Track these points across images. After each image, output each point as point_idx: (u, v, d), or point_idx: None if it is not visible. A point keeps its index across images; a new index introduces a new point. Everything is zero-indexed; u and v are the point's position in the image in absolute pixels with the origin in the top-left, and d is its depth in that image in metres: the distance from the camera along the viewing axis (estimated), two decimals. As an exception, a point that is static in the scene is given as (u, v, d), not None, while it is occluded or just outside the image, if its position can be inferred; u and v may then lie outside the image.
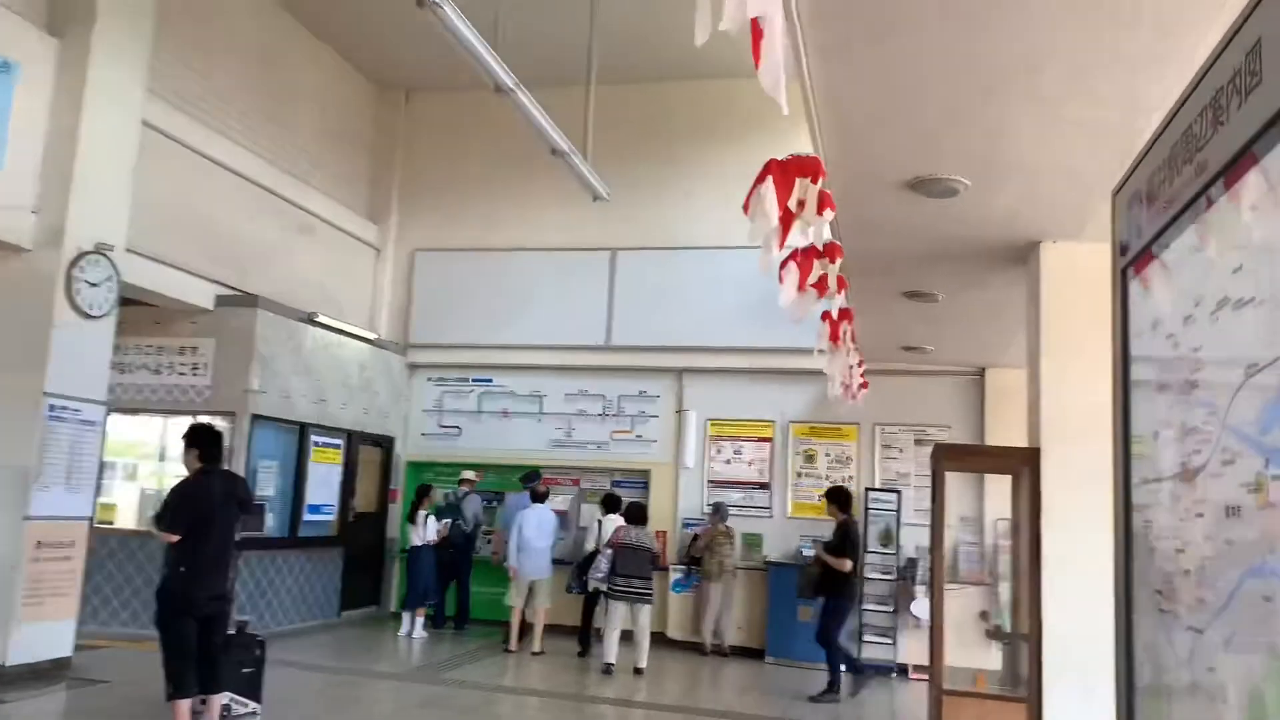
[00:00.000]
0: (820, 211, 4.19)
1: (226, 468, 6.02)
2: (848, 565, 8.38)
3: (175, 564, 5.47)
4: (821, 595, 8.55)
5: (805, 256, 5.17)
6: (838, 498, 8.69)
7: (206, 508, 5.55)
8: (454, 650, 9.69)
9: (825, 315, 6.61)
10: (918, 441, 10.51)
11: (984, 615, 8.69)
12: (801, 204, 4.07)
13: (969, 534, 10.16)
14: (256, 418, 9.39)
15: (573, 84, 9.33)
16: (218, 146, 9.51)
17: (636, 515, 9.28)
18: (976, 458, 6.05)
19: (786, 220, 4.13)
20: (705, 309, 11.00)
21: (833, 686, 8.36)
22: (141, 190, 8.28)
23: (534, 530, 9.68)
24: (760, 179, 3.87)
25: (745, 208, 4.06)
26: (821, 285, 5.80)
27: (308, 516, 10.18)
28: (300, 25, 11.07)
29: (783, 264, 5.22)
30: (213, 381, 9.37)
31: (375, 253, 12.26)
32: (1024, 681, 5.51)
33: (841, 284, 5.78)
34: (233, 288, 9.63)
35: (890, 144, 4.58)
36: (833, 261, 5.23)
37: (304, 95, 11.18)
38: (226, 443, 9.19)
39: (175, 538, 5.43)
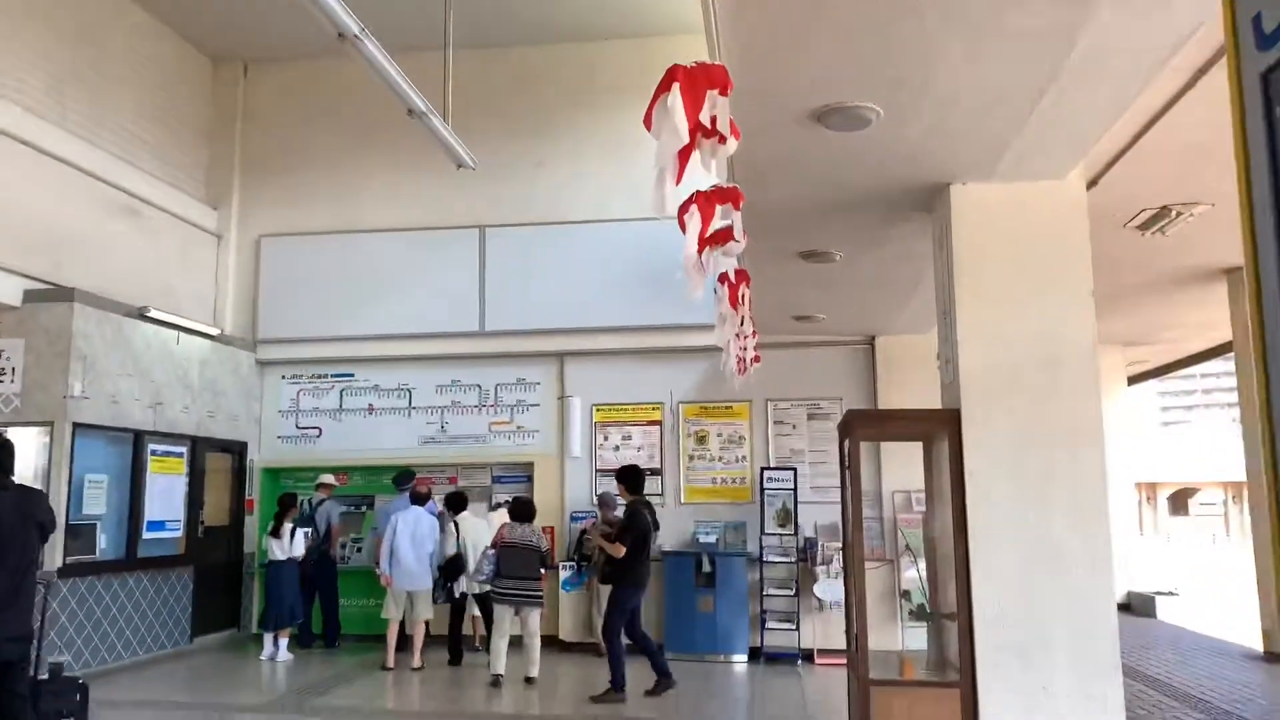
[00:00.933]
0: (725, 139, 3.58)
1: (21, 482, 4.99)
2: (620, 550, 7.59)
3: (-46, 603, 4.45)
4: (609, 583, 7.92)
5: (707, 201, 4.56)
6: (625, 477, 8.01)
7: (-8, 532, 4.55)
8: (324, 672, 8.74)
9: (723, 277, 6.04)
10: (810, 416, 10.13)
11: (905, 595, 8.32)
12: (712, 123, 3.44)
13: (866, 508, 9.81)
14: (79, 427, 8.20)
15: (428, 49, 8.50)
16: (20, 123, 8.25)
17: (522, 512, 8.54)
18: (890, 423, 5.60)
19: (689, 145, 3.49)
20: (585, 287, 10.33)
21: (615, 685, 7.53)
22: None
23: (408, 536, 8.84)
24: (664, 86, 3.21)
25: (647, 121, 3.39)
26: (724, 236, 5.23)
27: (148, 534, 9.02)
28: (116, -14, 9.84)
29: (683, 208, 4.60)
30: (23, 388, 8.13)
31: (216, 240, 11.07)
32: (954, 666, 5.09)
33: (744, 235, 5.22)
34: (45, 280, 8.39)
35: (799, 65, 4.01)
36: (736, 208, 4.64)
37: (126, 68, 9.93)
38: (42, 457, 8.02)
39: (-48, 571, 4.42)
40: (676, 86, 3.12)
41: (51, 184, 8.62)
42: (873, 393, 10.02)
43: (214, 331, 10.23)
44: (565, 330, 10.35)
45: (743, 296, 6.20)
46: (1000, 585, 4.93)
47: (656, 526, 8.12)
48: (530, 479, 10.46)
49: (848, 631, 6.17)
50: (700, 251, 5.33)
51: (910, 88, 4.11)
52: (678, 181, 3.72)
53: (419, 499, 9.22)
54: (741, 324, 7.45)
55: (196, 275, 10.68)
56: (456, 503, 9.12)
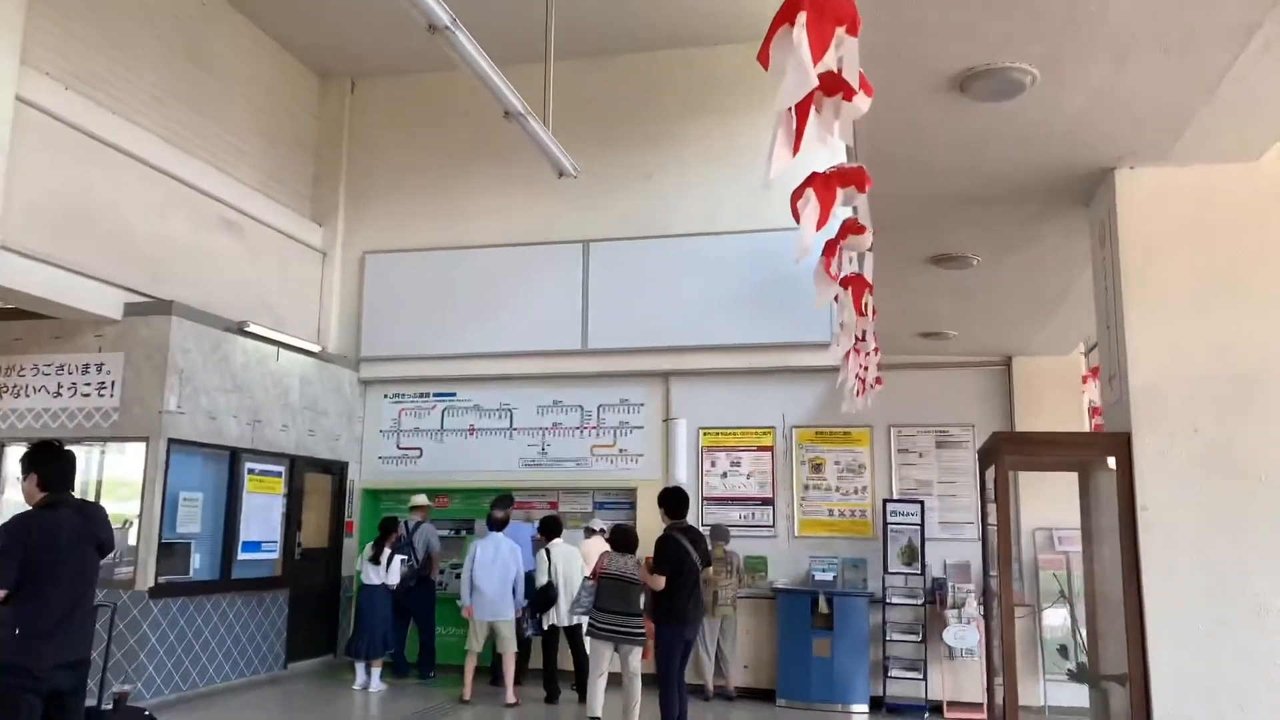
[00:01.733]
0: (853, 93, 2.93)
1: (81, 497, 4.68)
2: (659, 582, 6.74)
3: (3, 625, 4.13)
4: (654, 622, 7.00)
5: (826, 184, 3.91)
6: (665, 500, 7.17)
7: (48, 551, 4.23)
8: (415, 705, 8.32)
9: (845, 281, 5.35)
10: (939, 444, 9.25)
11: (1062, 651, 7.33)
12: (837, 74, 2.81)
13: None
14: (175, 443, 8.05)
15: (531, 60, 8.13)
16: (123, 133, 8.24)
17: (623, 541, 7.94)
18: (1046, 449, 4.77)
19: (808, 99, 2.83)
20: (692, 303, 9.75)
21: None
22: (22, 180, 7.03)
23: (488, 564, 8.38)
24: (785, 15, 2.55)
25: (763, 57, 2.74)
26: (853, 229, 4.56)
27: (243, 555, 8.82)
28: (228, 5, 9.86)
29: (796, 194, 3.97)
30: (122, 402, 8.04)
31: (321, 257, 10.97)
32: (1124, 736, 4.25)
33: (864, 228, 4.54)
34: (144, 294, 8.32)
35: (942, 19, 3.35)
36: (861, 191, 3.98)
37: (233, 82, 9.92)
38: (140, 471, 7.88)
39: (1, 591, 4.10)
40: (803, 16, 2.47)
41: (153, 196, 8.58)
42: (1009, 419, 9.07)
43: (315, 349, 10.06)
44: (670, 348, 9.78)
45: (866, 306, 5.50)
46: (1183, 644, 4.07)
47: (707, 561, 7.29)
48: (633, 505, 9.89)
49: (989, 690, 5.36)
50: (829, 251, 4.72)
51: (1077, 39, 3.39)
52: (796, 146, 3.06)
53: (494, 524, 8.76)
54: (863, 338, 6.75)
55: (299, 292, 10.57)
56: (551, 528, 8.61)
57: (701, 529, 9.41)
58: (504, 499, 9.36)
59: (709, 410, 9.80)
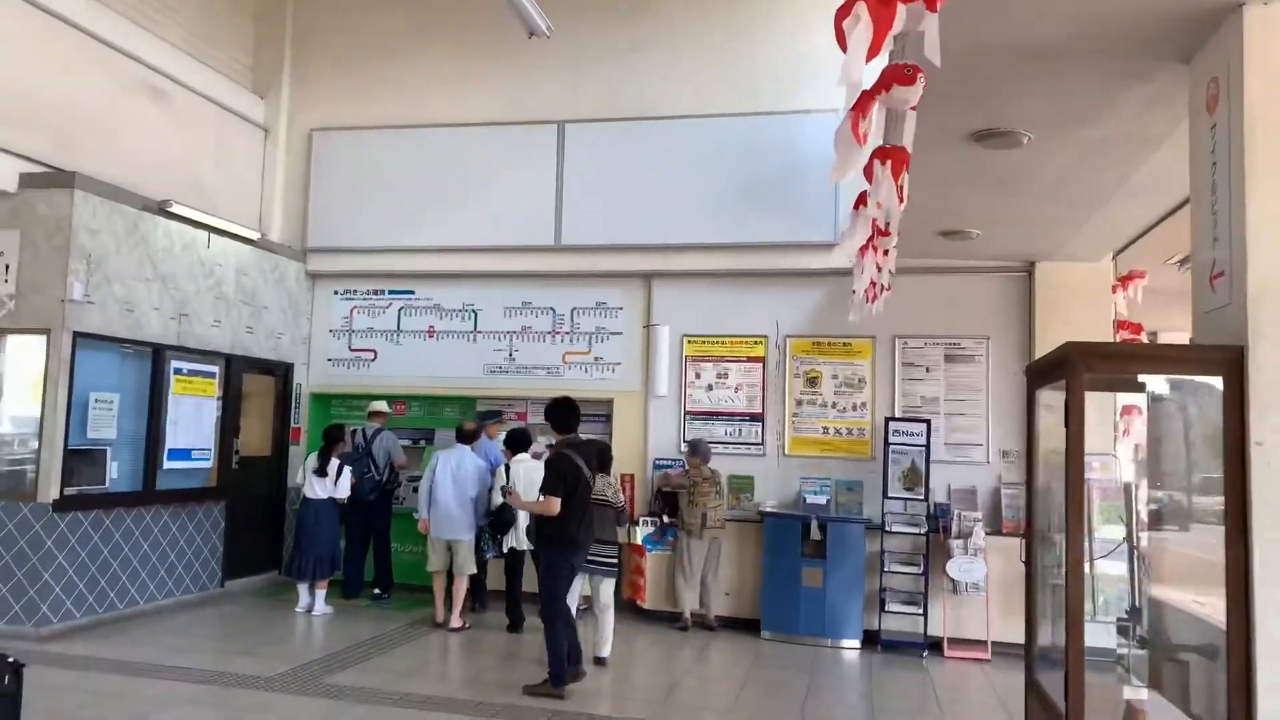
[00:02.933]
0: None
1: None
2: (553, 506, 5.88)
3: None
4: (539, 547, 6.23)
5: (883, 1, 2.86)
6: (552, 413, 6.30)
7: None
8: (367, 630, 7.51)
9: (881, 151, 4.31)
10: (949, 358, 8.35)
11: (1133, 614, 6.46)
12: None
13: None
14: (82, 336, 7.00)
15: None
16: (15, -31, 6.96)
17: (597, 459, 7.08)
18: (1134, 363, 3.83)
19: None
20: (679, 196, 8.68)
21: (554, 678, 5.94)
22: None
23: (449, 479, 7.57)
24: None
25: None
26: (895, 79, 3.51)
27: (170, 464, 7.87)
28: None
29: (844, 10, 2.94)
30: (18, 289, 6.95)
31: (262, 133, 9.75)
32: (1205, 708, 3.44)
33: (915, 75, 3.51)
34: (45, 164, 7.16)
35: None
36: (932, 8, 2.92)
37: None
38: (40, 366, 6.86)
39: None
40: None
41: (57, 50, 7.34)
42: (1028, 331, 8.18)
43: (254, 235, 8.94)
44: (654, 247, 8.74)
45: (902, 187, 4.50)
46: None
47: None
48: (609, 419, 8.99)
49: (1028, 652, 4.57)
50: (861, 106, 3.68)
51: None
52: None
53: (465, 436, 7.93)
54: (885, 230, 5.78)
55: (237, 172, 9.39)
56: (518, 442, 7.70)
57: (680, 446, 8.60)
58: (488, 414, 8.50)
59: (695, 316, 8.83)
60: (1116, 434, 8.07)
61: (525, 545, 7.53)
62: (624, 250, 8.81)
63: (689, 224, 8.62)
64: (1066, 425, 3.52)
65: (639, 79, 8.95)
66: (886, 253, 6.06)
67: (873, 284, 6.68)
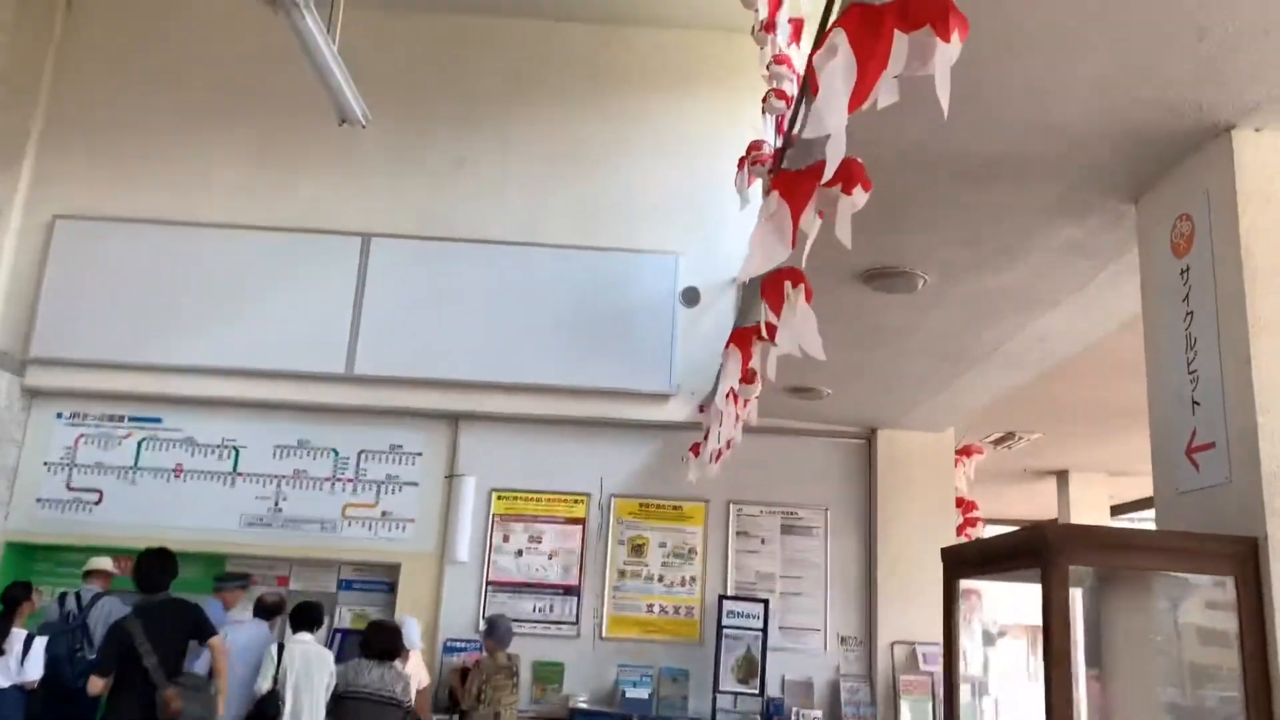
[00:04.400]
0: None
1: None
2: (96, 686, 5.17)
3: None
4: None
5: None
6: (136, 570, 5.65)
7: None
8: None
9: (791, 273, 3.46)
10: (786, 529, 7.55)
11: None
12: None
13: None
14: None
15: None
16: None
17: (382, 645, 5.65)
18: (1134, 554, 2.96)
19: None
20: (499, 330, 7.64)
21: None
22: None
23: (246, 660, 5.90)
24: None
25: None
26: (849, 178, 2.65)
27: None
28: None
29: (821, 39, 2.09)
30: None
31: (-13, 215, 7.99)
32: None
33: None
34: None
35: None
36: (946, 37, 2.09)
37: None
38: None
39: None
40: None
41: None
42: (868, 502, 7.53)
43: (-48, 336, 7.07)
44: (464, 384, 7.59)
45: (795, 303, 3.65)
46: None
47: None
48: (393, 589, 7.50)
49: None
50: (795, 192, 2.81)
51: None
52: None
53: (266, 609, 6.39)
54: (755, 377, 4.94)
55: (-56, 257, 7.54)
56: (304, 617, 6.17)
57: (478, 624, 7.22)
58: (231, 577, 6.84)
59: (507, 468, 7.64)
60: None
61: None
62: (428, 385, 7.59)
63: (507, 361, 7.56)
64: (1046, 624, 2.60)
65: (462, 198, 7.99)
66: (747, 403, 5.21)
67: (727, 440, 5.85)
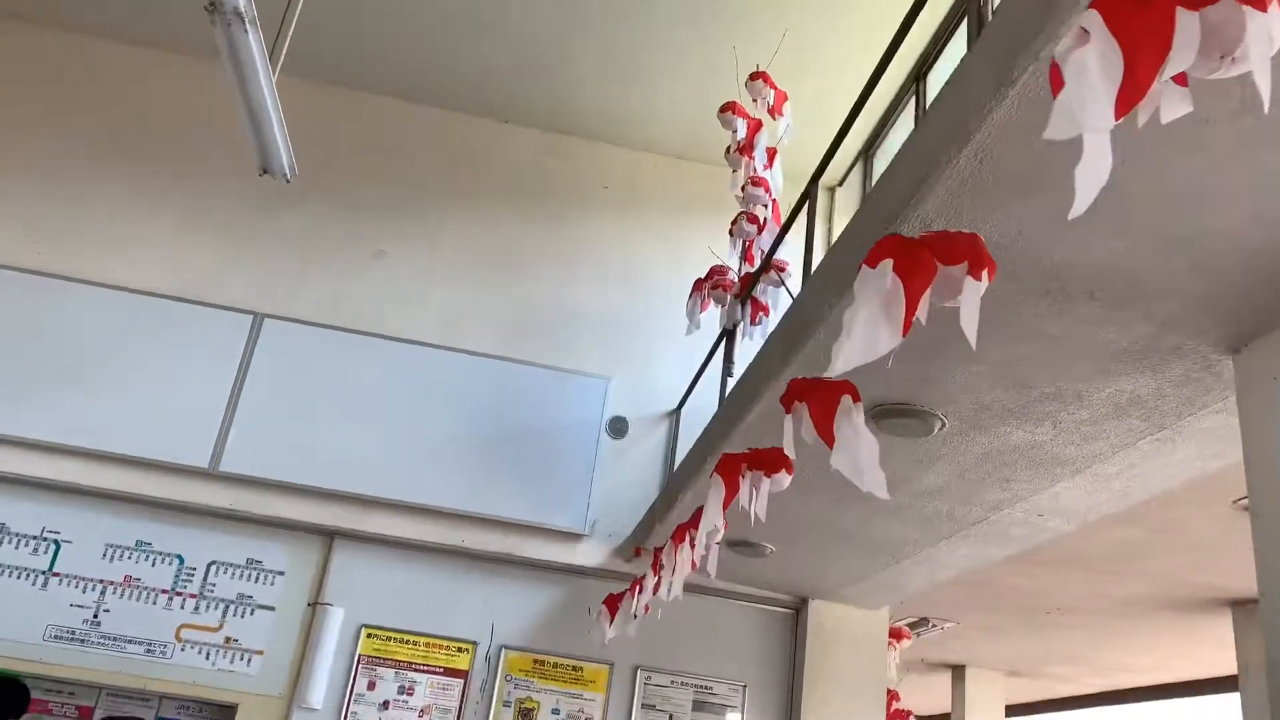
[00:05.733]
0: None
1: None
2: None
3: None
4: None
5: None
6: None
7: None
8: None
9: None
10: (698, 705, 6.61)
11: None
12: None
13: None
14: None
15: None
16: None
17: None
18: None
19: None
20: (393, 438, 6.69)
21: None
22: None
23: None
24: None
25: None
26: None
27: None
28: None
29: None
30: None
31: None
32: None
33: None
34: None
35: None
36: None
37: None
38: None
39: None
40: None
41: None
42: (790, 681, 6.70)
43: None
44: (345, 495, 6.54)
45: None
46: None
47: None
48: (225, 734, 6.18)
49: None
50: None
51: None
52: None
53: None
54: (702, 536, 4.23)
55: None
56: None
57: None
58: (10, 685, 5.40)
59: (383, 602, 6.52)
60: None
61: None
62: (304, 494, 6.52)
63: (400, 477, 6.59)
64: None
65: (375, 290, 7.16)
66: (708, 549, 4.43)
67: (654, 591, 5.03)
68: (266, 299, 6.96)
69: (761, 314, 5.29)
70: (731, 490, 3.45)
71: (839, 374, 2.04)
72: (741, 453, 3.48)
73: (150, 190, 7.18)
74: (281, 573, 6.56)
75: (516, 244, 7.45)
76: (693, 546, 4.44)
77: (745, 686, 6.66)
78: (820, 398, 2.66)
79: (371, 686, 6.32)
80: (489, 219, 7.52)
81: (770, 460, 3.41)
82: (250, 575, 6.51)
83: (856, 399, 2.60)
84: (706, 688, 6.63)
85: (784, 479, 3.39)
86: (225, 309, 6.86)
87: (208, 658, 6.29)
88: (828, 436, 2.61)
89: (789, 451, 2.79)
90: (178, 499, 6.46)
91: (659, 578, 5.03)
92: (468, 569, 6.67)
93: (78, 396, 6.49)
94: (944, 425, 3.61)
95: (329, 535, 6.63)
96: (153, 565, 6.46)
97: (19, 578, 6.34)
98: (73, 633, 6.25)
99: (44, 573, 6.37)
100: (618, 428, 7.01)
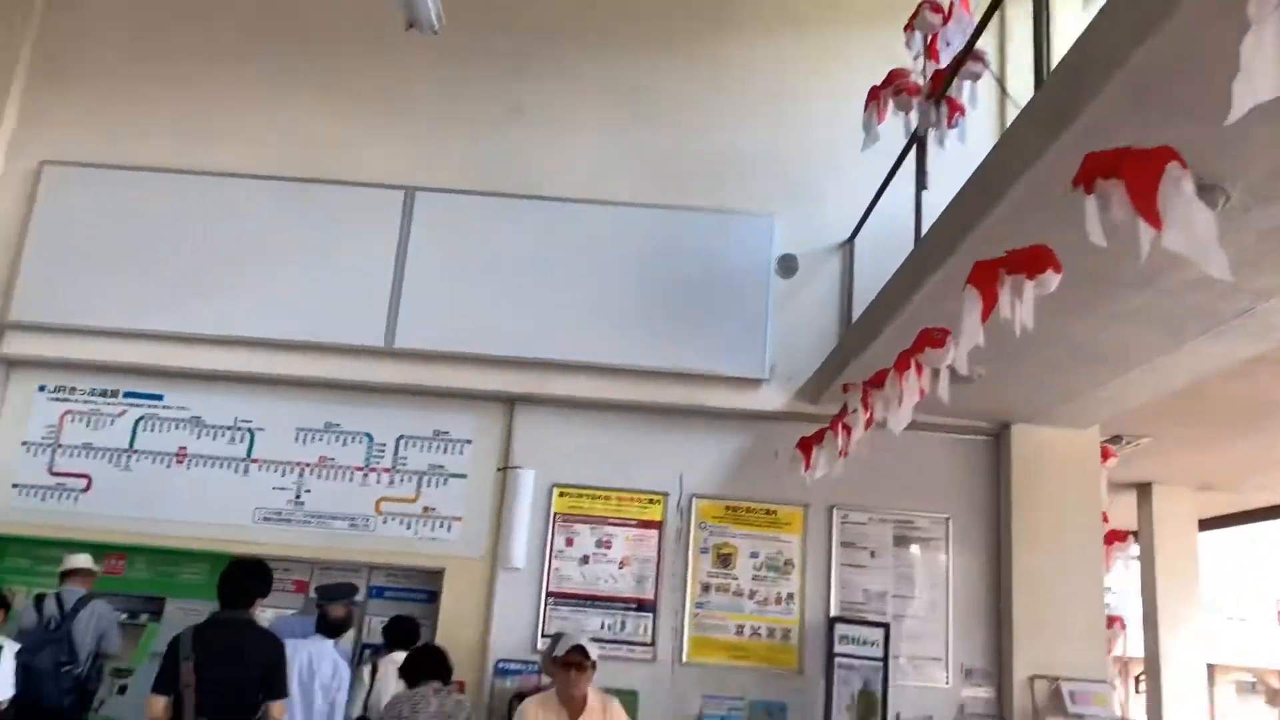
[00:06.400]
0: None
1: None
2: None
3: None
4: None
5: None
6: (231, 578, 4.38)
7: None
8: None
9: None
10: (899, 540, 6.42)
11: None
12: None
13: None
14: None
15: None
16: None
17: (427, 665, 4.52)
18: None
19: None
20: (563, 300, 6.51)
21: None
22: None
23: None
24: None
25: None
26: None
27: None
28: None
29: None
30: None
31: (-37, 156, 6.84)
32: None
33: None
34: None
35: None
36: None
37: None
38: None
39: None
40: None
41: None
42: (996, 511, 6.42)
43: (-84, 287, 5.90)
44: (522, 362, 6.45)
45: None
46: None
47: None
48: (434, 597, 6.36)
49: None
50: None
51: None
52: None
53: (331, 626, 5.26)
54: (941, 339, 3.87)
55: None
56: (399, 634, 5.40)
57: (535, 644, 6.06)
58: (336, 590, 5.55)
59: (571, 461, 6.49)
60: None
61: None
62: (481, 363, 6.46)
63: (573, 337, 6.43)
64: None
65: (521, 149, 6.87)
66: (936, 374, 4.09)
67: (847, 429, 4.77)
68: (414, 171, 6.76)
69: (958, 114, 4.76)
70: (989, 301, 3.08)
71: (1237, 118, 1.62)
72: (996, 258, 3.09)
73: (283, 75, 7.00)
74: (469, 441, 6.58)
75: (660, 81, 7.00)
76: (919, 373, 4.13)
77: (949, 519, 6.41)
78: (1138, 169, 2.24)
79: (570, 543, 6.35)
80: (628, 58, 7.07)
81: (1031, 260, 3.03)
82: (439, 446, 6.56)
83: (1184, 165, 2.17)
84: (907, 522, 6.41)
85: (1050, 279, 3.01)
86: (377, 186, 6.70)
87: (409, 527, 6.42)
88: (1151, 214, 2.20)
89: (1096, 238, 2.39)
90: (358, 379, 6.50)
91: (870, 413, 4.76)
92: (650, 423, 6.55)
93: (249, 290, 6.52)
94: (1227, 200, 3.12)
95: (510, 401, 6.59)
96: (344, 445, 6.57)
97: (222, 467, 6.56)
98: (279, 513, 6.46)
99: (243, 460, 6.57)
100: (787, 266, 6.64)
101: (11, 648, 5.03)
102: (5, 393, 6.69)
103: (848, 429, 5.09)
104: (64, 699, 5.48)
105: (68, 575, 5.84)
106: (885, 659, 5.80)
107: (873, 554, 6.36)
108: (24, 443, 6.61)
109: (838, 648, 5.83)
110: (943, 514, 6.42)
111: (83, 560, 5.90)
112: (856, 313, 6.10)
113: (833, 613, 6.17)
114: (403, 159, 6.80)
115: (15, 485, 6.53)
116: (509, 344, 6.43)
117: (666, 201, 6.68)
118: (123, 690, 6.03)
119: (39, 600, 5.72)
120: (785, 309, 6.55)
